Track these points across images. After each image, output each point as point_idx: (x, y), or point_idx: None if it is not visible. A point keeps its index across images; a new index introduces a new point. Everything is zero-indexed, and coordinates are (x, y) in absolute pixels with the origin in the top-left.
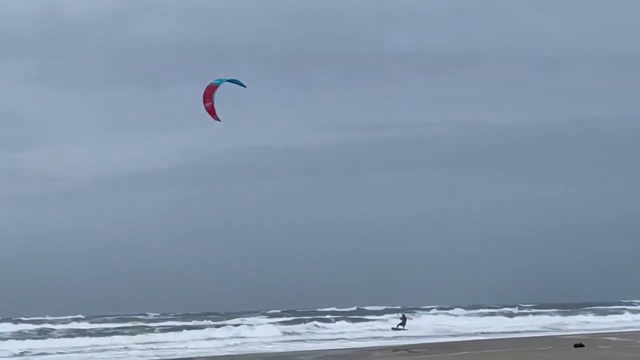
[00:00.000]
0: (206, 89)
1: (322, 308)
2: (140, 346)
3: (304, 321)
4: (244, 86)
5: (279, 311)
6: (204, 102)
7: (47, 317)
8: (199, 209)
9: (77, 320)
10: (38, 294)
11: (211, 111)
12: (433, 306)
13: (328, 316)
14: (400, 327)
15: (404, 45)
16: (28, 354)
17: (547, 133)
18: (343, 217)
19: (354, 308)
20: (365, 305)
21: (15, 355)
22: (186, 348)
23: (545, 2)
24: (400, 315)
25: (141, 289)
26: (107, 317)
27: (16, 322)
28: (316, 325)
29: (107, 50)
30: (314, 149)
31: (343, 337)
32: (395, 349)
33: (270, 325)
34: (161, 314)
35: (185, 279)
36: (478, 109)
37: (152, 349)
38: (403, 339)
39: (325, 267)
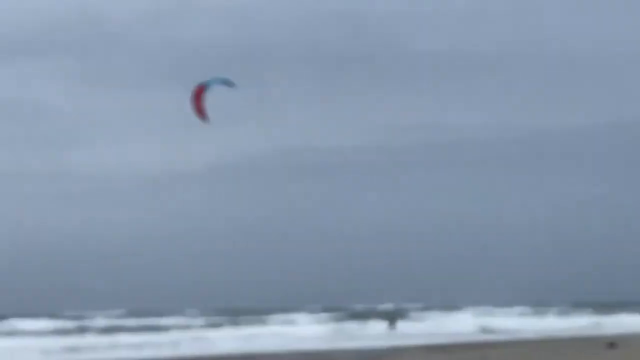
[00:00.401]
0: (195, 88)
1: (359, 305)
2: (181, 342)
3: (341, 318)
4: (234, 85)
5: (318, 307)
6: (193, 101)
7: (87, 313)
8: (241, 208)
9: (117, 316)
10: (78, 289)
11: (199, 111)
12: (471, 305)
13: (366, 314)
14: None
15: (430, 44)
16: (67, 349)
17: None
18: (386, 216)
19: (391, 306)
20: (403, 303)
21: (54, 351)
22: (226, 344)
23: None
24: (389, 318)
25: (181, 284)
26: (147, 313)
27: (55, 317)
28: (354, 323)
29: (149, 50)
30: (360, 149)
31: (379, 335)
32: (429, 347)
33: (310, 323)
34: (202, 310)
35: (226, 274)
36: (504, 110)
37: (192, 345)
38: (437, 338)
39: (364, 265)
